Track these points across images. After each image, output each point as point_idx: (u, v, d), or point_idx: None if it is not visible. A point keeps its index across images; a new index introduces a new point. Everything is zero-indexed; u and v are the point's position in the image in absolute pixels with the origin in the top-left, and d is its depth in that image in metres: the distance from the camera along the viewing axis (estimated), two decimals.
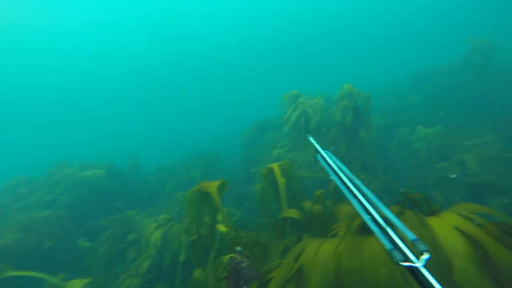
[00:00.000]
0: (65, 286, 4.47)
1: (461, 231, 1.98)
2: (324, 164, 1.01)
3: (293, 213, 3.37)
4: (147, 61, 47.31)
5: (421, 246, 0.81)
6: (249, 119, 11.95)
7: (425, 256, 0.79)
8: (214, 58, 47.30)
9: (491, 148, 6.89)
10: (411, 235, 0.83)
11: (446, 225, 2.06)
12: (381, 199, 1.32)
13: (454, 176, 6.24)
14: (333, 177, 1.04)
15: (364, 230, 2.70)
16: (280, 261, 2.55)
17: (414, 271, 0.80)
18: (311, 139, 1.24)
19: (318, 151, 1.20)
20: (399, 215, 2.30)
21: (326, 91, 9.96)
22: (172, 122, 35.87)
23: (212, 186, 3.41)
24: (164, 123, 36.42)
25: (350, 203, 3.24)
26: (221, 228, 3.88)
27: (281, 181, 3.64)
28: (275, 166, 3.86)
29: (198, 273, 3.28)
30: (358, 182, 1.04)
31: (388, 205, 2.29)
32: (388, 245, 0.91)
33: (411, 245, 0.84)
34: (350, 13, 47.00)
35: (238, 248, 2.74)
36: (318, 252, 2.22)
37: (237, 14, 47.92)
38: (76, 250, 5.92)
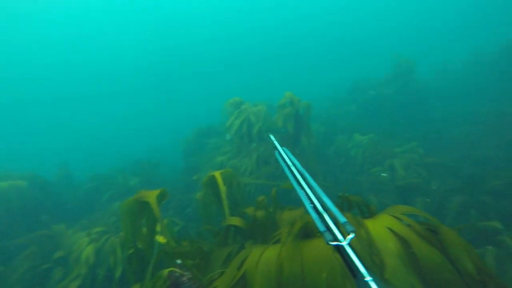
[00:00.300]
0: None
1: (393, 231, 2.12)
2: (280, 160, 1.11)
3: (235, 221, 3.32)
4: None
5: (349, 227, 0.91)
6: (192, 126, 11.72)
7: (351, 236, 0.88)
8: (157, 62, 45.78)
9: (416, 154, 7.62)
10: (342, 219, 0.93)
11: (380, 226, 2.19)
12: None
13: (385, 175, 6.77)
14: (286, 170, 1.15)
15: (306, 235, 2.76)
16: (223, 270, 2.49)
17: (340, 249, 0.89)
18: (272, 137, 1.32)
19: (276, 148, 1.27)
20: None
21: (269, 99, 10.18)
22: (110, 129, 33.72)
23: (151, 195, 3.22)
24: (102, 129, 34.11)
25: (292, 209, 3.30)
26: (160, 239, 3.68)
27: (223, 189, 3.57)
28: (216, 174, 3.78)
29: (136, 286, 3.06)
30: (307, 175, 1.15)
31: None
32: (322, 228, 1.00)
33: (341, 227, 0.94)
34: (292, 27, 48.99)
35: (178, 261, 2.60)
36: (261, 258, 2.21)
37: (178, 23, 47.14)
38: None
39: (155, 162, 9.58)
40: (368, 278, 0.78)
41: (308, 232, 2.70)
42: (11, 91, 40.48)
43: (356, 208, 2.90)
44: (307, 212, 2.38)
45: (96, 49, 45.41)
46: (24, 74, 42.15)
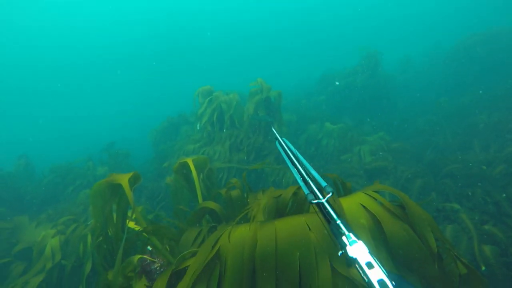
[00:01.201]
0: None
1: (365, 208, 2.21)
2: (279, 148, 1.25)
3: (209, 204, 3.31)
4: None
5: (328, 188, 1.07)
6: (163, 115, 11.47)
7: (329, 195, 1.03)
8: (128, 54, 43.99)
9: (382, 141, 7.97)
10: (323, 182, 1.09)
11: (354, 203, 2.27)
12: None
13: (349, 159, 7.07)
14: (284, 156, 1.29)
15: (280, 213, 2.82)
16: (196, 250, 2.49)
17: (320, 206, 1.04)
18: (273, 130, 1.45)
19: (277, 138, 1.39)
20: None
21: (242, 88, 10.18)
22: (76, 119, 32.20)
23: (123, 178, 3.12)
24: (67, 119, 32.49)
25: (264, 191, 3.32)
26: (132, 224, 3.62)
27: (195, 174, 3.55)
28: (188, 160, 3.74)
29: (104, 276, 2.99)
30: (300, 156, 1.30)
31: None
32: (306, 191, 1.16)
33: (323, 190, 1.10)
34: (267, 22, 48.91)
35: (149, 248, 2.58)
36: (234, 236, 2.22)
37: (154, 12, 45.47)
38: None
39: (125, 152, 9.29)
40: (338, 221, 0.96)
41: (281, 211, 2.77)
42: None
43: (333, 186, 3.01)
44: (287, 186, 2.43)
45: (65, 34, 42.76)
46: None
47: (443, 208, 4.47)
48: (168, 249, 3.05)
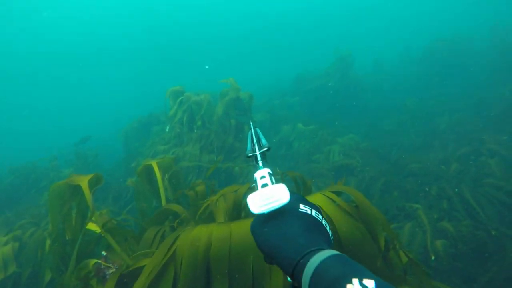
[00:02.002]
0: None
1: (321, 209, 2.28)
2: (249, 135, 1.28)
3: (172, 206, 3.28)
4: None
5: (267, 145, 1.08)
6: (136, 114, 11.27)
7: (265, 149, 1.06)
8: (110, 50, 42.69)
9: (352, 141, 8.20)
10: (265, 142, 1.11)
11: None
12: None
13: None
14: (248, 138, 1.33)
15: (238, 216, 2.86)
16: (153, 250, 2.48)
17: (253, 158, 1.06)
18: (251, 124, 1.45)
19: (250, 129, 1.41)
20: None
21: (215, 89, 10.16)
22: (41, 115, 30.84)
23: (83, 180, 3.05)
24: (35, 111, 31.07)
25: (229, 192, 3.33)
26: (94, 227, 3.54)
27: (159, 176, 3.53)
28: (153, 163, 3.70)
29: (60, 281, 2.93)
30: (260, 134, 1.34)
31: None
32: (248, 147, 1.16)
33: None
34: (243, 22, 48.92)
35: (103, 253, 2.57)
36: (191, 236, 2.22)
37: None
38: None
39: (94, 153, 9.03)
40: (260, 165, 0.98)
41: (238, 206, 2.81)
42: None
43: (294, 184, 3.08)
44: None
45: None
46: None
47: (403, 207, 4.66)
48: (129, 249, 3.02)
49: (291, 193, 0.80)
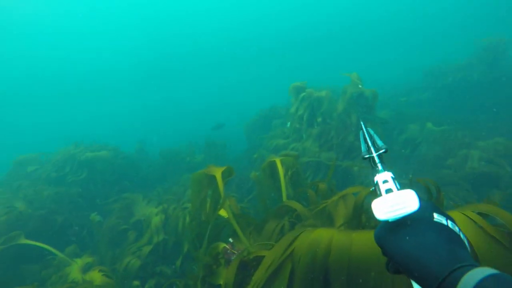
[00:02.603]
0: (70, 262, 4.64)
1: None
2: (361, 135, 1.32)
3: (292, 204, 3.41)
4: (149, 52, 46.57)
5: (383, 146, 1.05)
6: (257, 107, 12.01)
7: (382, 150, 1.03)
8: (223, 50, 46.66)
9: (500, 145, 6.83)
10: (381, 143, 1.09)
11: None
12: None
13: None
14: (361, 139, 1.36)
15: (357, 222, 2.79)
16: (271, 243, 2.65)
17: (370, 159, 1.04)
18: (361, 124, 1.50)
19: (361, 129, 1.46)
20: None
21: (336, 83, 9.96)
22: (179, 109, 35.78)
23: (218, 171, 3.50)
24: (171, 109, 36.36)
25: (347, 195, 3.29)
26: (223, 213, 4.00)
27: (281, 174, 3.72)
28: (277, 160, 3.90)
29: (196, 254, 3.42)
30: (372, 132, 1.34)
31: None
32: (363, 148, 1.15)
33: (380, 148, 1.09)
34: (360, 13, 45.90)
35: (230, 240, 2.90)
36: (310, 239, 2.26)
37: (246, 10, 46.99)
38: (89, 225, 6.15)
39: (222, 143, 10.07)
40: (379, 168, 0.96)
41: (359, 217, 2.73)
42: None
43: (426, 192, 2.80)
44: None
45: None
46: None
47: None
48: (251, 237, 3.33)
49: (421, 200, 0.75)
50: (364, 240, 2.06)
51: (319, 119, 6.94)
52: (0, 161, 9.84)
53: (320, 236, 2.23)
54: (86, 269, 4.50)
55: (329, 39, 45.07)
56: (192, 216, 3.85)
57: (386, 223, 0.76)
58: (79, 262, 4.54)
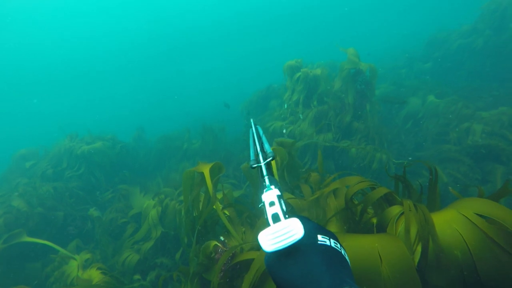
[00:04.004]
0: (72, 258, 4.67)
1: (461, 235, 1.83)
2: (250, 137, 1.31)
3: (286, 196, 3.35)
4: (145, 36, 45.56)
5: (270, 154, 1.14)
6: (254, 87, 11.75)
7: (269, 159, 1.11)
8: (217, 31, 45.39)
9: (505, 116, 6.61)
10: (269, 149, 1.18)
11: (447, 226, 1.91)
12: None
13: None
14: (250, 137, 1.35)
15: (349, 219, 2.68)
16: None
17: (258, 169, 1.11)
18: (251, 121, 1.47)
19: (251, 127, 1.44)
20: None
21: (331, 58, 9.63)
22: (174, 93, 35.39)
23: (206, 168, 3.41)
24: (166, 93, 35.98)
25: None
26: (218, 206, 3.94)
27: (275, 170, 3.61)
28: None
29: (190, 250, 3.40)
30: (261, 133, 1.43)
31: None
32: (252, 157, 1.25)
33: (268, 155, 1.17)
34: None
35: (221, 238, 2.84)
36: None
37: None
38: (90, 218, 6.21)
39: (220, 126, 9.91)
40: (267, 182, 1.01)
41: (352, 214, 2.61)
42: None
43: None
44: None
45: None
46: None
47: None
48: (244, 232, 3.27)
49: (306, 222, 0.78)
50: (357, 246, 1.89)
51: (315, 103, 6.74)
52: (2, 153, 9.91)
53: None
54: (86, 266, 4.54)
55: (323, 8, 43.40)
56: (186, 212, 3.80)
57: (273, 253, 0.76)
58: (78, 259, 4.56)
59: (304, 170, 4.33)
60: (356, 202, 2.54)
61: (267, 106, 9.73)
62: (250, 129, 1.33)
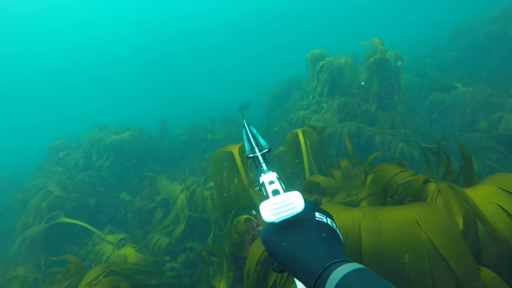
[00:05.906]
0: (105, 238, 4.90)
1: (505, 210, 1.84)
2: (244, 135, 1.35)
3: (317, 178, 3.38)
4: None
5: (266, 146, 1.14)
6: (276, 79, 11.77)
7: (265, 150, 1.12)
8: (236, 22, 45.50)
9: None
10: (264, 143, 1.19)
11: (487, 201, 1.92)
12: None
13: None
14: (244, 134, 1.40)
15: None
16: None
17: (254, 158, 1.12)
18: (244, 123, 1.53)
19: (244, 127, 1.48)
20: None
21: (353, 51, 9.53)
22: (197, 85, 35.87)
23: (235, 148, 3.51)
24: (190, 85, 36.52)
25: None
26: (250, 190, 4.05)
27: (304, 148, 3.67)
28: (299, 132, 3.84)
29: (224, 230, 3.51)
30: (254, 131, 1.41)
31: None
32: (247, 147, 1.27)
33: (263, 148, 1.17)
34: None
35: (253, 212, 2.92)
36: (337, 221, 2.14)
37: None
38: (123, 204, 6.45)
39: (241, 119, 10.02)
40: (264, 167, 1.01)
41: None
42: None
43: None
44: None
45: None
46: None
47: None
48: None
49: (305, 200, 0.77)
50: (395, 219, 1.88)
51: (339, 90, 6.73)
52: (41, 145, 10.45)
53: (347, 218, 2.03)
54: (119, 246, 4.76)
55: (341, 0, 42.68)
56: (217, 194, 3.92)
57: (271, 224, 0.78)
58: (111, 239, 4.80)
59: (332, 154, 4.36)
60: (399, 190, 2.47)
61: (289, 98, 9.76)
62: (243, 129, 1.38)
